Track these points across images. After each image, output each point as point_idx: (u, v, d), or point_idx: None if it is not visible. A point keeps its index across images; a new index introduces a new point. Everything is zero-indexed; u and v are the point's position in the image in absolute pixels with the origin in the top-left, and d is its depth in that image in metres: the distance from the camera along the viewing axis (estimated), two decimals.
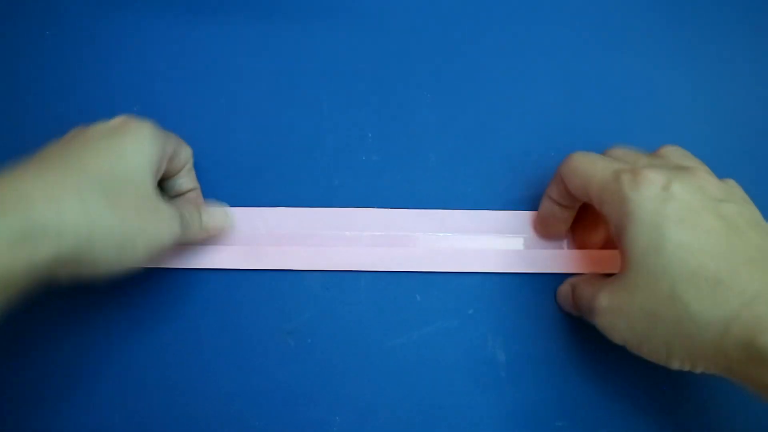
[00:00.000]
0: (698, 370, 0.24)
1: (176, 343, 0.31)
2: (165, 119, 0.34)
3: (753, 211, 0.25)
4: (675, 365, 0.24)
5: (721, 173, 0.27)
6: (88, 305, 0.32)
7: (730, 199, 0.24)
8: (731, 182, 0.26)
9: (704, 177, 0.25)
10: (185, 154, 0.31)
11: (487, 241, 0.32)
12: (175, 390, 0.30)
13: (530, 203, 0.33)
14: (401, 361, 0.31)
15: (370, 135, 0.34)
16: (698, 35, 0.37)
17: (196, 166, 0.32)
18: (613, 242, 0.31)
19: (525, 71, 0.36)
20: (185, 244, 0.31)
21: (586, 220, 0.32)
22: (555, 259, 0.32)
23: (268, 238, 0.32)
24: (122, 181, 0.25)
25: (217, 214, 0.31)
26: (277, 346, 0.31)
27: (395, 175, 0.34)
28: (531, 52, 0.36)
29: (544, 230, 0.32)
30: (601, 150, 0.34)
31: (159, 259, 0.31)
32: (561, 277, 0.32)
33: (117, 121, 0.27)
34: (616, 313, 0.25)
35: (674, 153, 0.27)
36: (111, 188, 0.24)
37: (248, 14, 0.37)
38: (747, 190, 0.26)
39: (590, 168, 0.27)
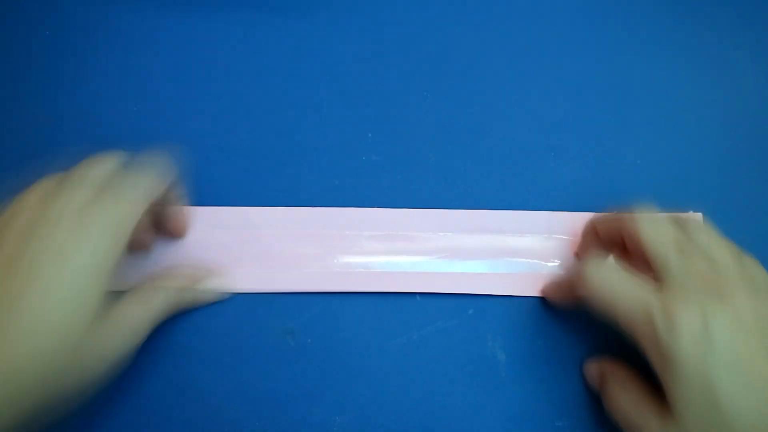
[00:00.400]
0: None
1: (175, 342, 0.31)
2: (164, 119, 0.34)
3: None
4: None
5: (723, 173, 0.26)
6: None
7: None
8: (755, 266, 0.25)
9: (739, 301, 0.24)
10: (173, 196, 0.30)
11: (487, 241, 0.32)
12: (174, 389, 0.30)
13: (530, 203, 0.33)
14: (401, 361, 0.31)
15: (370, 135, 0.34)
16: (700, 34, 0.37)
17: (196, 166, 0.32)
18: None
19: (525, 71, 0.36)
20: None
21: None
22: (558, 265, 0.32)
23: (268, 238, 0.32)
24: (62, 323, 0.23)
25: (214, 283, 0.31)
26: (277, 346, 0.31)
27: (395, 175, 0.34)
28: (531, 51, 0.36)
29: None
30: (602, 151, 0.34)
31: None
32: None
33: (87, 193, 0.25)
34: None
35: (701, 237, 0.26)
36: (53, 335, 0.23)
37: (248, 13, 0.37)
38: (749, 191, 0.25)
39: (612, 297, 0.26)
